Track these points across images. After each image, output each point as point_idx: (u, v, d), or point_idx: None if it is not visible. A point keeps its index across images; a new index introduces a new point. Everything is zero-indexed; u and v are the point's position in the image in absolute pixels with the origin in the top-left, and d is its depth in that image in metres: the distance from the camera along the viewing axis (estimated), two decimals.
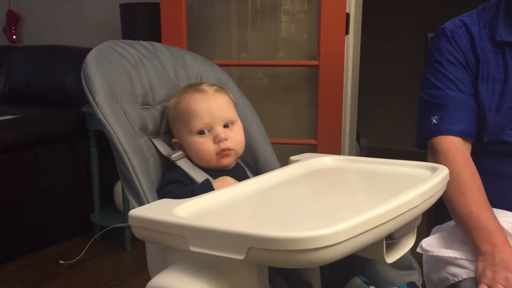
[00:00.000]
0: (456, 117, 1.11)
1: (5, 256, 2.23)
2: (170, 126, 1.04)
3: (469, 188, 1.04)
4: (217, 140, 0.97)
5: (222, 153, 0.97)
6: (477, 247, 1.00)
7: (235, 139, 0.99)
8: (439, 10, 3.37)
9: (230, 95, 1.06)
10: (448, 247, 1.07)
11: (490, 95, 1.11)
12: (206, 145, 0.97)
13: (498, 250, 0.97)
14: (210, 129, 0.98)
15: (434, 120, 1.12)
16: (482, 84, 1.12)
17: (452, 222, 1.10)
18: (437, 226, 1.19)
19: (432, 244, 1.08)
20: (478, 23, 1.15)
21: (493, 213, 1.04)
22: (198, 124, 0.97)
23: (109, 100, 0.90)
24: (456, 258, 1.04)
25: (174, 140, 1.02)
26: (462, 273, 1.02)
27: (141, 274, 2.15)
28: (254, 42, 2.40)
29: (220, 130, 0.98)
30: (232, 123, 1.01)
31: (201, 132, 0.98)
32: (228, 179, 0.95)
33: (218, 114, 0.98)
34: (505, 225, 1.03)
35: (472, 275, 0.99)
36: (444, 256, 1.05)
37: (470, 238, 1.02)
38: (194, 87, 1.02)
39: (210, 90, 1.00)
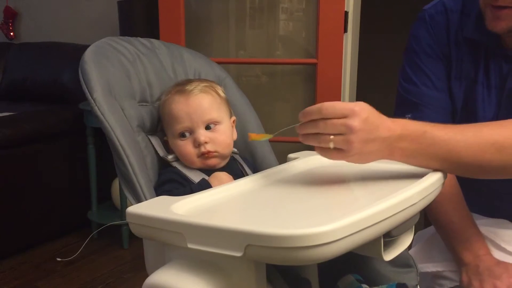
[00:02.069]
0: (430, 118, 1.04)
1: (3, 253, 2.23)
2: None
3: (447, 196, 1.00)
4: (196, 143, 0.97)
5: (203, 156, 0.97)
6: (459, 258, 1.00)
7: (217, 141, 0.98)
8: None
9: (220, 92, 1.03)
10: (429, 260, 1.07)
11: (461, 96, 1.05)
12: (186, 148, 0.97)
13: (481, 260, 0.97)
14: (191, 132, 0.97)
15: (407, 118, 1.09)
16: (455, 83, 1.05)
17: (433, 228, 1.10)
18: (419, 232, 1.18)
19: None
20: (461, 10, 1.04)
21: (473, 221, 1.03)
22: (178, 128, 0.97)
23: (107, 97, 0.90)
24: (438, 272, 1.04)
25: (165, 138, 1.02)
26: (447, 283, 1.03)
27: (138, 272, 2.15)
28: (252, 40, 2.40)
29: (201, 134, 0.96)
30: (216, 124, 0.99)
31: (182, 135, 0.97)
32: (221, 174, 0.95)
33: (198, 117, 0.97)
34: (480, 228, 1.03)
35: (456, 283, 1.00)
36: (427, 272, 1.05)
37: (452, 249, 1.02)
38: (179, 87, 1.00)
39: (194, 90, 0.98)
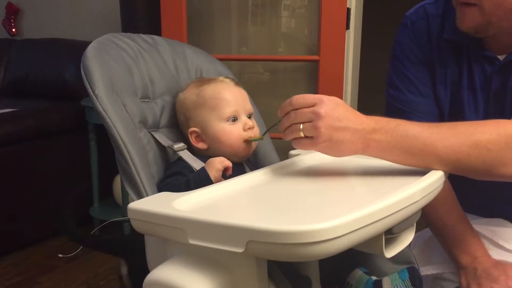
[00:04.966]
0: None
1: (5, 249, 2.24)
2: (184, 117, 1.02)
3: (440, 201, 0.96)
4: (246, 127, 0.99)
5: (249, 140, 0.99)
6: (457, 260, 1.00)
7: (256, 129, 1.02)
8: None
9: None
10: (428, 262, 1.07)
11: (448, 101, 1.05)
12: (237, 132, 0.98)
13: (479, 262, 0.97)
14: (238, 118, 0.99)
15: None
16: (440, 87, 1.04)
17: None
18: (417, 234, 1.17)
19: None
20: (443, 14, 1.03)
21: (468, 222, 1.02)
22: (228, 111, 0.98)
23: (109, 93, 0.90)
24: (439, 274, 1.04)
25: (192, 129, 1.00)
26: (448, 285, 1.03)
27: None
28: (254, 36, 2.39)
29: (248, 119, 1.00)
30: (251, 115, 1.03)
31: (231, 119, 0.98)
32: (214, 160, 0.93)
33: (244, 104, 1.01)
34: (477, 227, 1.02)
35: (457, 285, 1.00)
36: (427, 275, 1.05)
37: (449, 252, 1.02)
38: (214, 79, 1.03)
39: (231, 83, 1.02)
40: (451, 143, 0.80)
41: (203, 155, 0.99)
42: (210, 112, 0.99)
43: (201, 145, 1.00)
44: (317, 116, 0.77)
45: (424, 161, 0.81)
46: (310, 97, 0.80)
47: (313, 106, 0.79)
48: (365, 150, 0.80)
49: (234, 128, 0.98)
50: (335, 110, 0.78)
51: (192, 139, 1.00)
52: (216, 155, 0.96)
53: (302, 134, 0.80)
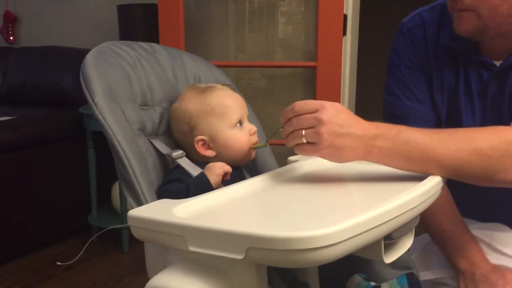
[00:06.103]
0: None
1: (2, 257, 2.23)
2: (188, 126, 1.00)
3: (438, 205, 0.96)
4: (252, 132, 1.01)
5: (252, 146, 1.01)
6: (455, 266, 1.00)
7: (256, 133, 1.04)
8: None
9: None
10: (427, 267, 1.07)
11: (445, 107, 1.05)
12: (244, 138, 1.00)
13: (477, 267, 0.97)
14: (242, 123, 1.01)
15: None
16: (437, 94, 1.05)
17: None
18: (415, 239, 1.18)
19: None
20: (438, 21, 1.04)
21: (466, 227, 1.03)
22: (236, 117, 1.00)
23: (108, 100, 0.90)
24: (437, 279, 1.04)
25: (199, 137, 0.99)
26: None
27: (138, 275, 2.15)
28: (251, 43, 2.40)
29: (251, 125, 1.02)
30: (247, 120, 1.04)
31: (238, 125, 1.00)
32: (214, 164, 0.93)
33: (245, 110, 1.03)
34: (475, 232, 1.03)
35: None
36: (426, 280, 1.05)
37: (447, 257, 1.02)
38: (212, 86, 1.04)
39: (230, 90, 1.04)
40: (452, 149, 0.80)
41: (203, 162, 0.99)
42: (219, 120, 0.99)
43: (209, 153, 0.99)
44: (319, 122, 0.78)
45: (425, 167, 0.81)
46: (312, 103, 0.80)
47: (315, 112, 0.79)
48: (366, 156, 0.81)
49: (242, 133, 1.00)
50: (337, 116, 0.79)
51: (199, 147, 0.99)
52: (221, 161, 0.96)
53: (304, 140, 0.80)
